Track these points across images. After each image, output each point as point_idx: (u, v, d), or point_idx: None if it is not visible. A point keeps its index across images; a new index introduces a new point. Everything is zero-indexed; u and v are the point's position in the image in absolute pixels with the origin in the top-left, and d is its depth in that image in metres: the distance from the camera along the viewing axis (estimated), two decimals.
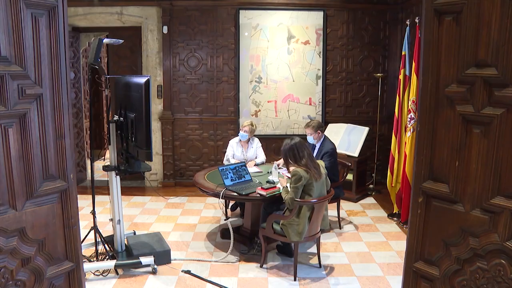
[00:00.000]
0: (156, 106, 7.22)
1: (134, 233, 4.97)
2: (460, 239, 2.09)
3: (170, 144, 7.35)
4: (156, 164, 7.33)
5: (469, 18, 1.93)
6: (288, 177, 4.40)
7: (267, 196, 4.34)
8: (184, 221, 5.76)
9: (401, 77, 5.69)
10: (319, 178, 4.12)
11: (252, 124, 5.61)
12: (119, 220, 4.37)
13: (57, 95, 2.14)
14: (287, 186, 4.18)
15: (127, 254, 4.41)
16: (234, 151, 5.70)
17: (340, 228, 5.48)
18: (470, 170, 2.02)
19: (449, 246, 2.14)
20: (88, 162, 8.02)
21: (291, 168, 4.15)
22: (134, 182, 7.51)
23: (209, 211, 6.15)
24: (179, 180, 7.47)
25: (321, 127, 5.39)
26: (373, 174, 7.23)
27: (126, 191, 7.03)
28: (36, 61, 2.04)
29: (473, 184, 2.02)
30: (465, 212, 2.06)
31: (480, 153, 1.98)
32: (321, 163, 4.34)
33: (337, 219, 5.54)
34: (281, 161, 5.14)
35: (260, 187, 4.44)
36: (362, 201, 6.66)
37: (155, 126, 7.25)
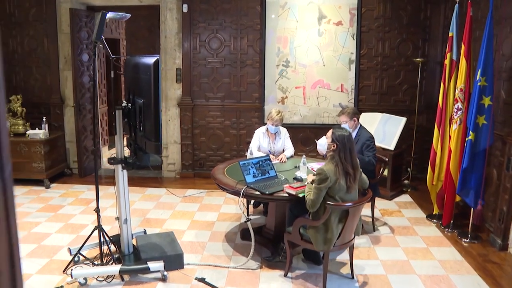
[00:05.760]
0: (175, 91, 6.75)
1: (145, 232, 4.51)
2: None
3: (190, 132, 6.87)
4: (174, 154, 6.90)
5: None
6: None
7: (299, 195, 3.76)
8: (202, 217, 5.27)
9: (447, 62, 5.02)
10: (352, 188, 3.56)
11: (279, 113, 5.02)
12: (126, 219, 3.89)
13: None
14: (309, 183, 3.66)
15: (135, 257, 3.94)
16: (260, 142, 5.14)
17: (374, 231, 4.90)
18: None
19: None
20: (103, 150, 7.65)
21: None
22: (150, 172, 7.08)
23: (229, 207, 5.64)
24: (198, 171, 7.00)
25: (356, 113, 4.82)
26: (409, 169, 6.62)
27: (141, 182, 6.64)
28: None
29: None
30: None
31: None
32: (364, 178, 3.83)
33: (371, 219, 4.97)
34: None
35: (288, 185, 3.88)
36: (397, 199, 6.06)
37: (174, 113, 6.81)
